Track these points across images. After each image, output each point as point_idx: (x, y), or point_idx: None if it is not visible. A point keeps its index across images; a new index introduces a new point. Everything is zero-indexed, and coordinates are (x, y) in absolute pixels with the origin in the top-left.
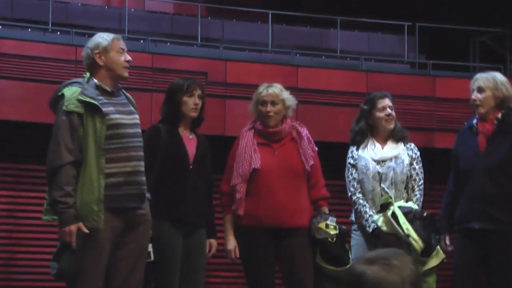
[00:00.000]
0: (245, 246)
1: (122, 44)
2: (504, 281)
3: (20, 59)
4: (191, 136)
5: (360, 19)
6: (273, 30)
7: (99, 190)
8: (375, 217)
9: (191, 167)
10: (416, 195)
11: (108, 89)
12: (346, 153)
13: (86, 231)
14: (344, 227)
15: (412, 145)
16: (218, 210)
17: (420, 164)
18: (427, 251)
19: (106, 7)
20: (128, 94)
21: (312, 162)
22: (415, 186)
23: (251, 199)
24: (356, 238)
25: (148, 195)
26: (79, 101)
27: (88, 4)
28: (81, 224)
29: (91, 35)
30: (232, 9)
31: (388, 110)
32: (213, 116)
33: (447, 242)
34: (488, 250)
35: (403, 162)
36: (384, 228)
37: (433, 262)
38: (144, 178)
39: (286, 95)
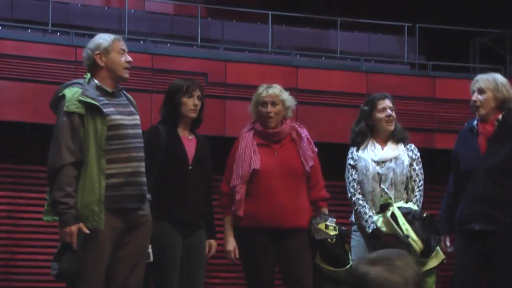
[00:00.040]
0: (245, 247)
1: (122, 45)
2: (504, 282)
3: (20, 59)
4: (190, 137)
5: (360, 20)
6: (273, 31)
7: (99, 191)
8: (375, 217)
9: (190, 167)
10: (416, 196)
11: (109, 90)
12: (346, 154)
13: (87, 231)
14: (343, 228)
15: (412, 146)
16: (218, 210)
17: (420, 165)
18: (427, 252)
19: (106, 7)
20: (128, 95)
21: (312, 163)
22: (415, 187)
23: (251, 200)
24: (356, 239)
25: (148, 196)
26: (80, 101)
27: (88, 5)
28: (81, 225)
29: (91, 36)
30: (232, 10)
31: (389, 111)
32: (213, 117)
33: (447, 243)
34: (488, 251)
35: (403, 163)
36: (384, 228)
37: (433, 262)
38: (144, 179)
39: (286, 95)
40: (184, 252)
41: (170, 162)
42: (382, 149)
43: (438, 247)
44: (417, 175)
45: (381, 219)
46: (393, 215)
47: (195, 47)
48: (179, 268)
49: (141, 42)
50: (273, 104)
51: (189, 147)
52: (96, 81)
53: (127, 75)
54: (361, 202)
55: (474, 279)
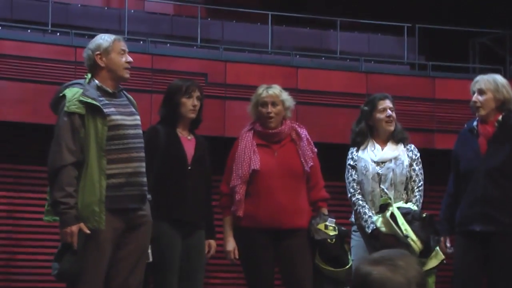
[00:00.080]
0: (244, 247)
1: (123, 45)
2: (505, 282)
3: (20, 60)
4: (189, 137)
5: (360, 20)
6: (273, 31)
7: (100, 191)
8: (374, 218)
9: (189, 168)
10: (415, 196)
11: (109, 90)
12: (346, 154)
13: (88, 231)
14: (343, 228)
15: (412, 146)
16: (218, 211)
17: (420, 166)
18: (426, 252)
19: (106, 8)
20: (129, 95)
21: (311, 163)
22: (415, 187)
23: (251, 200)
24: (356, 239)
25: (149, 196)
26: (81, 102)
27: (88, 5)
28: (82, 225)
29: (90, 36)
30: (232, 10)
31: (389, 111)
32: (212, 117)
33: (448, 244)
34: (489, 252)
35: (402, 163)
36: (383, 229)
37: (432, 263)
38: (145, 179)
39: (286, 96)
40: (184, 253)
41: (169, 163)
42: (382, 149)
43: (437, 247)
44: (416, 175)
45: (380, 219)
46: (392, 215)
47: (195, 47)
48: (178, 268)
49: (141, 42)
50: (273, 104)
51: (188, 147)
52: (96, 81)
53: (127, 75)
54: (360, 202)
55: (474, 280)
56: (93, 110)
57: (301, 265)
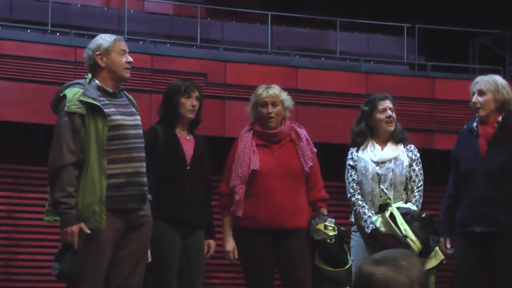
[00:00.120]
0: (244, 247)
1: (123, 46)
2: (505, 282)
3: (20, 60)
4: (188, 137)
5: (359, 21)
6: (272, 31)
7: (101, 191)
8: (374, 218)
9: (188, 168)
10: (415, 196)
11: (110, 90)
12: (346, 154)
13: (88, 231)
14: (342, 228)
15: (412, 146)
16: (217, 211)
17: (420, 166)
18: (425, 252)
19: (106, 8)
20: (129, 96)
21: (311, 164)
22: (415, 188)
23: (250, 201)
24: (355, 239)
25: (149, 196)
26: (81, 102)
27: (88, 5)
28: (83, 225)
29: (90, 36)
30: (232, 10)
31: (389, 112)
32: (212, 117)
33: (448, 245)
34: (489, 252)
35: (402, 163)
36: (383, 229)
37: (432, 263)
38: (145, 179)
39: (285, 95)
40: (183, 253)
41: (168, 163)
42: (382, 149)
43: (437, 248)
44: (416, 175)
45: (380, 219)
46: (391, 215)
47: (194, 47)
48: (177, 268)
49: (141, 42)
50: (274, 104)
51: (187, 147)
52: (97, 81)
53: (128, 75)
54: (360, 202)
55: (474, 280)
56: (94, 110)
57: (301, 265)
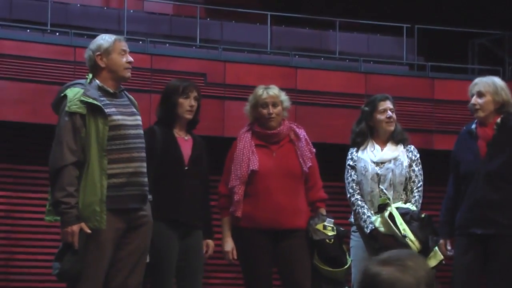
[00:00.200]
0: (243, 248)
1: (124, 46)
2: (504, 282)
3: (19, 60)
4: (186, 137)
5: (359, 21)
6: (272, 32)
7: (101, 191)
8: (373, 218)
9: (186, 168)
10: (414, 196)
11: (111, 90)
12: (345, 154)
13: (88, 231)
14: (341, 228)
15: (412, 147)
16: (216, 211)
17: (420, 166)
18: (424, 252)
19: (105, 8)
20: (130, 96)
21: (310, 164)
22: (414, 188)
23: (249, 201)
24: (355, 240)
25: (150, 196)
26: (82, 102)
27: (87, 5)
28: (83, 225)
29: (90, 36)
30: (231, 11)
31: (389, 112)
32: (212, 117)
33: (448, 247)
34: (489, 252)
35: (402, 164)
36: (382, 229)
37: (431, 263)
38: (146, 179)
39: (284, 96)
40: (182, 253)
41: (166, 163)
42: (382, 150)
43: (436, 248)
44: (416, 176)
45: (379, 219)
46: (391, 216)
47: (194, 47)
48: (175, 268)
49: (140, 42)
50: (274, 105)
51: (185, 147)
52: (97, 81)
53: (128, 75)
54: (360, 202)
55: (474, 280)
56: (94, 110)
57: (300, 266)
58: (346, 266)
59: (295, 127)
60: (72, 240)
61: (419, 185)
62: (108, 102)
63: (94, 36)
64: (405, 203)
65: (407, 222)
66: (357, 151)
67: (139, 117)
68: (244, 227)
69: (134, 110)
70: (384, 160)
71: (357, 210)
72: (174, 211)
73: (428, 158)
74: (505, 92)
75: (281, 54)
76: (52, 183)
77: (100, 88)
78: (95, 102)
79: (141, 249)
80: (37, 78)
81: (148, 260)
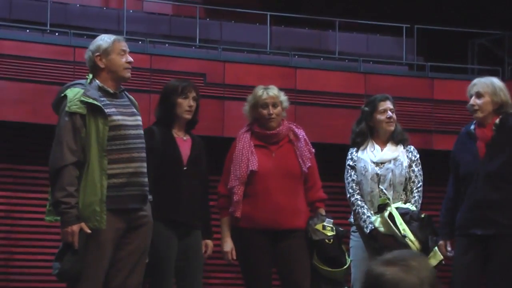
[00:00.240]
0: (242, 248)
1: (123, 46)
2: (504, 283)
3: (19, 60)
4: (185, 138)
5: (358, 21)
6: (271, 32)
7: (101, 191)
8: (373, 218)
9: (185, 168)
10: (414, 197)
11: (111, 90)
12: (344, 154)
13: (88, 231)
14: (341, 228)
15: (412, 147)
16: (215, 211)
17: (420, 167)
18: (424, 252)
19: (105, 8)
20: (130, 96)
21: (309, 164)
22: (414, 188)
23: (249, 201)
24: (355, 240)
25: (150, 196)
26: (82, 102)
27: (87, 5)
28: (83, 225)
29: (89, 36)
30: (231, 11)
31: (389, 112)
32: (211, 118)
33: (448, 248)
34: (488, 252)
35: (402, 164)
36: (382, 229)
37: (431, 263)
38: (146, 179)
39: (283, 96)
40: (181, 253)
41: (164, 163)
42: (382, 150)
43: (436, 248)
44: (416, 176)
45: (379, 219)
46: (390, 216)
47: (193, 47)
48: (173, 268)
49: (140, 42)
50: (274, 105)
51: (183, 148)
52: (98, 81)
53: (128, 75)
54: (359, 202)
55: (474, 280)
56: (94, 110)
57: (299, 266)
58: (345, 266)
59: (294, 127)
60: (72, 240)
61: (418, 185)
62: (108, 102)
63: (94, 36)
64: (404, 203)
65: (407, 222)
66: (357, 151)
67: (139, 118)
68: (243, 227)
69: (135, 110)
70: (384, 160)
71: (357, 210)
72: (173, 211)
73: (427, 158)
74: (504, 92)
75: (281, 54)
76: (52, 183)
77: (100, 89)
78: (95, 102)
79: (141, 249)
80: (36, 78)
81: (147, 260)
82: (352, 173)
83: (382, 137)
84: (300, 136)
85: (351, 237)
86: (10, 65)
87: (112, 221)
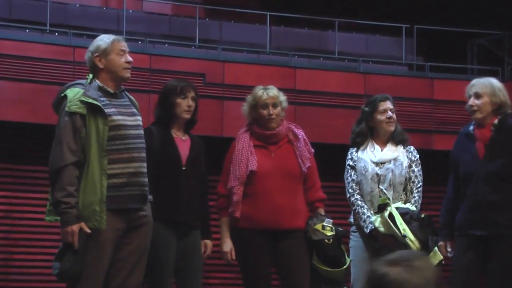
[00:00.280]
0: (241, 248)
1: (122, 46)
2: (504, 283)
3: (18, 60)
4: (184, 138)
5: (358, 21)
6: (271, 32)
7: (101, 191)
8: (373, 218)
9: (184, 168)
10: (414, 197)
11: (111, 90)
12: (344, 154)
13: (88, 231)
14: (340, 228)
15: (412, 148)
16: (215, 211)
17: (419, 167)
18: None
19: (104, 8)
20: (131, 96)
21: (308, 164)
22: (414, 188)
23: (248, 201)
24: (354, 240)
25: (150, 197)
26: (82, 102)
27: (86, 5)
28: (83, 224)
29: (89, 36)
30: (230, 11)
31: (389, 113)
32: (210, 118)
33: (448, 248)
34: (488, 253)
35: (401, 164)
36: (382, 229)
37: None
38: (146, 179)
39: (282, 96)
40: (180, 253)
41: (163, 163)
42: (382, 150)
43: (436, 248)
44: (416, 176)
45: (379, 219)
46: (390, 215)
47: (193, 47)
48: (172, 268)
49: (139, 42)
50: (274, 106)
51: (182, 148)
52: (98, 82)
53: (128, 75)
54: (359, 202)
55: (473, 280)
56: (94, 110)
57: (299, 266)
58: (345, 266)
59: (293, 127)
60: (72, 240)
61: (418, 185)
62: (108, 102)
63: (93, 36)
64: (404, 203)
65: (407, 222)
66: (357, 151)
67: (139, 118)
68: (243, 227)
69: (135, 110)
70: (384, 161)
71: (356, 210)
72: (172, 211)
73: (427, 158)
74: (503, 93)
75: (280, 54)
76: (52, 183)
77: (100, 89)
78: (95, 102)
79: (141, 249)
80: (36, 78)
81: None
82: (352, 173)
83: (382, 137)
84: (300, 136)
85: (351, 237)
86: (10, 65)
87: (112, 221)
